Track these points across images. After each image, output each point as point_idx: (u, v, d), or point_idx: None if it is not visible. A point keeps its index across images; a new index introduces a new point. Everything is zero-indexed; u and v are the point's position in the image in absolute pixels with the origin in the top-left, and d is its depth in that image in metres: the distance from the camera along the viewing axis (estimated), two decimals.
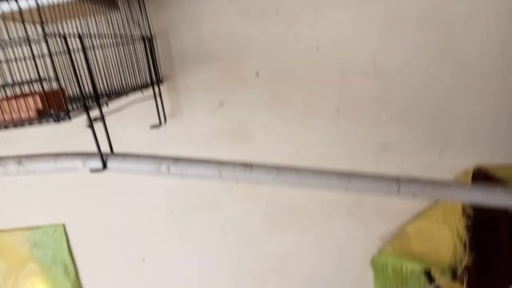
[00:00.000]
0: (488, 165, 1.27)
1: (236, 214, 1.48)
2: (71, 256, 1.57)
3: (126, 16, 1.25)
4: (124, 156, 0.88)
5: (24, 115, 0.81)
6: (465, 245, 1.27)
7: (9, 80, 0.95)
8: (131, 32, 1.28)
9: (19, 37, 0.83)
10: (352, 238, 1.45)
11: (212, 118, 1.36)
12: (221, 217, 1.49)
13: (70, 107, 0.86)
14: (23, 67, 0.92)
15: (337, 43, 1.24)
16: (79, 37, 0.90)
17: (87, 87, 1.07)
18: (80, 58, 0.90)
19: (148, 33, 1.29)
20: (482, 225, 1.28)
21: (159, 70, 1.34)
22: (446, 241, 1.27)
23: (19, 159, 0.80)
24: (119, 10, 1.18)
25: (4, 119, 0.83)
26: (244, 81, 1.32)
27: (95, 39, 1.04)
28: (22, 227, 1.57)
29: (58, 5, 0.95)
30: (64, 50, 0.85)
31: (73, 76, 0.86)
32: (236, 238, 1.51)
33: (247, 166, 0.72)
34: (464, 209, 1.26)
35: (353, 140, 1.32)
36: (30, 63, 0.85)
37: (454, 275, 1.30)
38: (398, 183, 0.65)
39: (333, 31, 1.23)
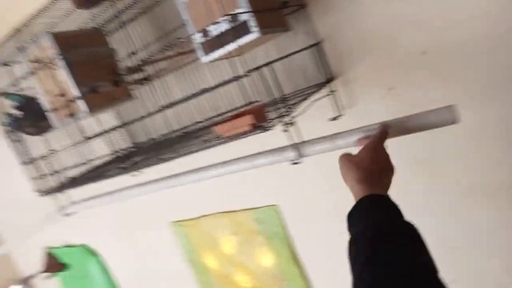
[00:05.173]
0: None
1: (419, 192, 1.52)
2: (286, 230, 1.97)
3: (298, 31, 1.49)
4: (314, 141, 1.11)
5: (243, 130, 1.15)
6: None
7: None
8: (303, 42, 1.51)
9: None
10: None
11: (384, 103, 1.45)
12: (410, 196, 1.55)
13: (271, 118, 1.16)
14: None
15: None
16: (266, 64, 1.19)
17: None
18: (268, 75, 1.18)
19: (317, 39, 1.50)
20: None
21: (330, 68, 1.52)
22: None
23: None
24: (291, 29, 1.43)
25: (231, 134, 1.20)
26: (411, 63, 1.35)
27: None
28: (248, 207, 2.08)
29: (250, 42, 1.26)
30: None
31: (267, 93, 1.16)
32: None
33: None
34: None
35: None
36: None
37: None
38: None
39: None
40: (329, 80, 1.50)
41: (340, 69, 1.51)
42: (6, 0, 2.17)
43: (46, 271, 3.28)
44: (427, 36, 1.29)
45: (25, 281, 3.46)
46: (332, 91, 1.50)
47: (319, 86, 1.47)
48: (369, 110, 1.50)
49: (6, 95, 1.64)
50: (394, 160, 0.84)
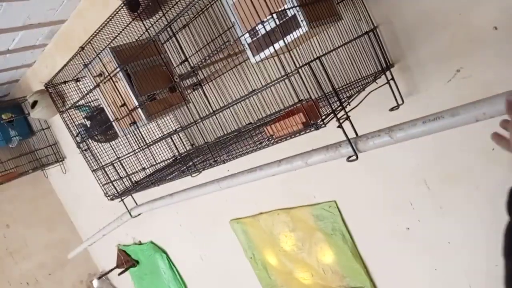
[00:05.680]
0: None
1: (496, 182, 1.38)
2: (346, 226, 1.91)
3: (350, 19, 1.43)
4: (371, 134, 1.06)
5: (294, 128, 1.13)
6: None
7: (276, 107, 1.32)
8: (357, 30, 1.44)
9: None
10: None
11: (450, 87, 1.34)
12: (482, 185, 1.42)
13: (323, 115, 1.13)
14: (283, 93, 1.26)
15: None
16: (318, 58, 1.15)
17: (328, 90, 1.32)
18: (319, 69, 1.14)
19: (371, 25, 1.42)
20: None
21: (387, 55, 1.44)
22: None
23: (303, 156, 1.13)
24: (342, 18, 1.37)
25: (283, 133, 1.18)
26: (480, 40, 1.22)
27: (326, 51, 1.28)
28: (306, 204, 2.05)
29: (299, 37, 1.23)
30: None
31: (318, 89, 1.13)
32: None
33: None
34: None
35: None
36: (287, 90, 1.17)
37: None
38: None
39: None
40: (386, 67, 1.42)
41: (398, 54, 1.42)
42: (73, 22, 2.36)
43: (119, 266, 3.54)
44: (497, 10, 1.16)
45: (103, 275, 3.78)
46: (390, 79, 1.41)
47: (376, 75, 1.40)
48: (433, 96, 1.39)
49: (77, 107, 1.79)
50: None
